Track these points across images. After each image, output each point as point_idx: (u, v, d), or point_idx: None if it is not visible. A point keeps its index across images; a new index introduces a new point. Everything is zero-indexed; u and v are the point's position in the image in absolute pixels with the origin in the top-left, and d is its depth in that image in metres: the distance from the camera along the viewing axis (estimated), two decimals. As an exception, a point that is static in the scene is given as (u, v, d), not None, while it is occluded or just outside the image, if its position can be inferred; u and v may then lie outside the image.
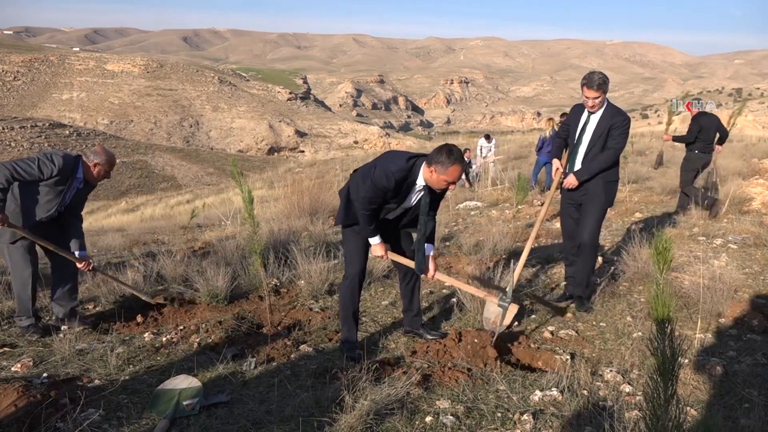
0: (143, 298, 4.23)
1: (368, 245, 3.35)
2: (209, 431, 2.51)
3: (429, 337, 3.56)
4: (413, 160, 3.13)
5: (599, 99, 3.83)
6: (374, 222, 3.22)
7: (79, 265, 3.82)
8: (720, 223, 6.46)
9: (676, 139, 7.53)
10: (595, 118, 3.93)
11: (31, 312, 3.75)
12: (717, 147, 7.25)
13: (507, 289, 3.60)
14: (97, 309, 4.33)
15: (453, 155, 3.01)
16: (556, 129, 10.59)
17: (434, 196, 3.27)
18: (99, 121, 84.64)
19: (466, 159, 13.20)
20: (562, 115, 9.65)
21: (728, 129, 7.28)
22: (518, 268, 3.89)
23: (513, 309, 3.61)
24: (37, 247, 3.82)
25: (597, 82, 3.79)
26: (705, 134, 6.99)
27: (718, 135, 7.12)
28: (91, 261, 3.88)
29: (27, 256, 3.67)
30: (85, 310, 4.26)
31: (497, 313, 3.60)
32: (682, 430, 1.52)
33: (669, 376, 1.49)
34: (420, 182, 3.15)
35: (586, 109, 3.95)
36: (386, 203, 3.22)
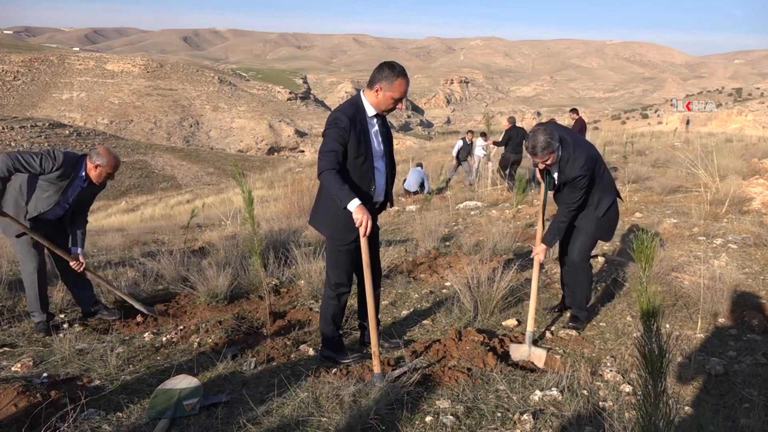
0: (136, 306, 4.05)
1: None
2: (209, 431, 2.51)
3: (386, 345, 3.46)
4: (354, 99, 3.05)
5: (550, 161, 3.43)
6: (346, 183, 2.87)
7: (71, 263, 3.77)
8: (720, 223, 6.47)
9: (496, 143, 11.84)
10: (554, 170, 3.61)
11: (39, 308, 3.78)
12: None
13: (527, 333, 3.39)
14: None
15: (396, 69, 2.91)
16: None
17: (385, 128, 3.13)
18: (99, 121, 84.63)
19: (468, 140, 13.17)
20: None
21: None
22: (531, 310, 3.49)
23: (539, 354, 3.29)
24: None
25: (540, 147, 3.36)
26: (513, 141, 10.88)
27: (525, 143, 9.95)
28: (83, 260, 3.80)
29: (32, 250, 3.70)
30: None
31: (524, 356, 3.35)
32: (672, 426, 1.52)
33: (657, 373, 1.49)
34: (370, 110, 3.02)
35: None
36: (356, 157, 2.96)
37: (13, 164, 3.41)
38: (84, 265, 3.81)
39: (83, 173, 3.69)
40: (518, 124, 11.49)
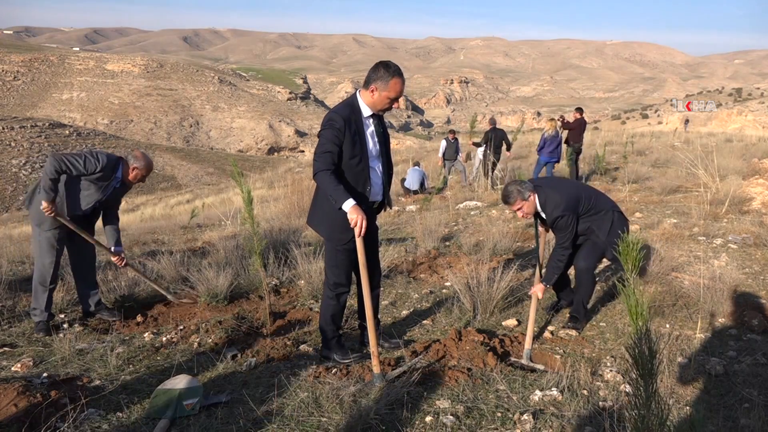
0: (169, 297, 4.43)
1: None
2: (209, 431, 2.51)
3: (386, 345, 3.47)
4: (350, 99, 3.05)
5: (524, 208, 3.62)
6: (341, 183, 2.89)
7: (113, 259, 4.10)
8: (720, 223, 6.47)
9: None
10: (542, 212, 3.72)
11: (43, 304, 3.82)
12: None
13: (525, 352, 3.36)
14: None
15: (391, 68, 2.92)
16: (558, 129, 10.65)
17: (382, 128, 3.13)
18: (99, 121, 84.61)
19: (451, 139, 13.26)
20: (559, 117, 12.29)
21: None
22: (529, 332, 3.46)
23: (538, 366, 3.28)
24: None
25: (510, 198, 3.58)
26: (492, 142, 11.61)
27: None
28: (124, 256, 4.14)
29: (55, 245, 3.82)
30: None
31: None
32: (666, 426, 1.52)
33: (648, 374, 1.49)
34: (366, 110, 3.02)
35: None
36: (352, 158, 2.96)
37: (59, 166, 3.59)
38: (125, 260, 4.13)
39: (119, 174, 3.91)
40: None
